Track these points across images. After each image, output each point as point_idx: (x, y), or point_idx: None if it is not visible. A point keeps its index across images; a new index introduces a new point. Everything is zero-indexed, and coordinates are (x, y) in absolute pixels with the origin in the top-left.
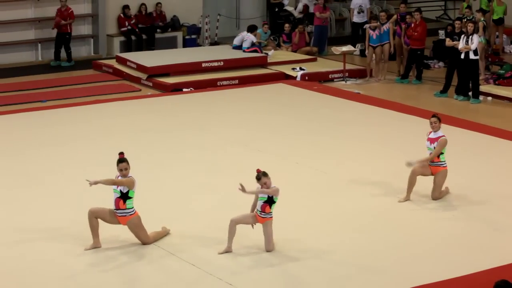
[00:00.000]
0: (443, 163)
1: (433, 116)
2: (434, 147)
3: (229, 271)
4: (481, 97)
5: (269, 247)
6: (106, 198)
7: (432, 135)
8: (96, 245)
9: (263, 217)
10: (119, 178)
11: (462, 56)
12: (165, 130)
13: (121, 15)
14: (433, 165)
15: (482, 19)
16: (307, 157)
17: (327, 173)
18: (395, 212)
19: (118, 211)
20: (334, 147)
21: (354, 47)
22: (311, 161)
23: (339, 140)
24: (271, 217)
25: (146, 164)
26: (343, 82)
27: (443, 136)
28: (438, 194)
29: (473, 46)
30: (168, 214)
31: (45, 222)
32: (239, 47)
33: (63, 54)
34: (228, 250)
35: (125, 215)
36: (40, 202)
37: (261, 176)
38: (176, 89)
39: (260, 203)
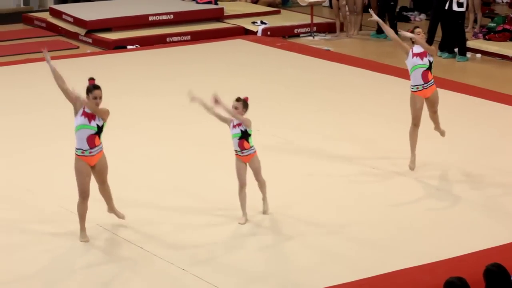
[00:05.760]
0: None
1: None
2: (429, 60)
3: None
4: (468, 54)
5: (259, 178)
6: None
7: (417, 50)
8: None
9: (246, 155)
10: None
11: (446, 7)
12: (107, 94)
13: None
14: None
15: None
16: (269, 123)
17: (292, 142)
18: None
19: (93, 150)
20: (300, 112)
21: None
22: (274, 128)
23: (306, 104)
24: (255, 151)
25: None
26: (311, 38)
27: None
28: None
29: None
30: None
31: None
32: None
33: None
34: (246, 219)
35: (100, 151)
36: None
37: (240, 100)
38: (119, 46)
39: (236, 141)
